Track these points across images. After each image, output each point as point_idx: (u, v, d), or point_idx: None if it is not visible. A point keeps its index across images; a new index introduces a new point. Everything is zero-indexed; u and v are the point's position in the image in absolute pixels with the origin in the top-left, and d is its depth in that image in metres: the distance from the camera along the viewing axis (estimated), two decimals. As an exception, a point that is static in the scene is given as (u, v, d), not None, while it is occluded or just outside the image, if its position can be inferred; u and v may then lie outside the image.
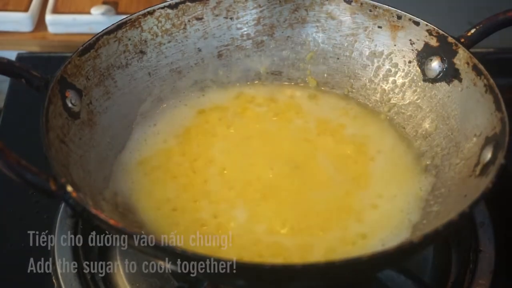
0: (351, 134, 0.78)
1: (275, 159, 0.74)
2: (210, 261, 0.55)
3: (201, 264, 0.56)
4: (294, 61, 0.84)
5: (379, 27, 0.80)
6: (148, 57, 0.79)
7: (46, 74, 0.68)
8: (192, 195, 0.70)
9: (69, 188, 0.58)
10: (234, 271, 0.56)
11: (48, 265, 0.73)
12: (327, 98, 0.82)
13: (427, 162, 0.73)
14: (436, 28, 0.76)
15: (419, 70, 0.78)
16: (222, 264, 0.54)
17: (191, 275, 0.62)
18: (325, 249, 0.65)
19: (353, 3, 0.81)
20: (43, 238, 0.75)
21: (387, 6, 0.79)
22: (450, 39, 0.74)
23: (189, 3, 0.80)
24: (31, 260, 0.75)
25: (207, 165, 0.74)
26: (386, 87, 0.80)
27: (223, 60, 0.83)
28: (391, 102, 0.80)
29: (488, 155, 0.65)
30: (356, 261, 0.54)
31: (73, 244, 0.73)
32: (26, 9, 1.13)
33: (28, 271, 0.74)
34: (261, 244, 0.66)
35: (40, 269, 0.73)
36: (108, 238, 0.75)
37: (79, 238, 0.74)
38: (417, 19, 0.77)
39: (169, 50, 0.80)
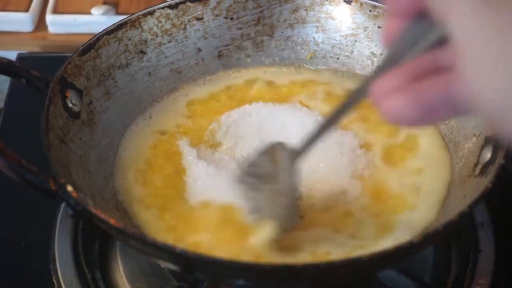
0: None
1: None
2: (210, 261, 0.55)
3: (201, 264, 0.56)
4: (294, 61, 0.84)
5: (379, 27, 0.80)
6: (148, 57, 0.79)
7: (46, 74, 0.68)
8: (188, 193, 0.70)
9: (69, 188, 0.58)
10: (234, 271, 0.56)
11: (48, 265, 0.73)
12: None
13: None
14: (436, 28, 0.76)
15: (419, 70, 0.78)
16: (222, 264, 0.54)
17: (191, 275, 0.62)
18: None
19: (353, 3, 0.81)
20: (43, 238, 0.75)
21: (387, 6, 0.79)
22: (450, 39, 0.74)
23: (189, 3, 0.80)
24: (31, 260, 0.75)
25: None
26: (386, 87, 0.80)
27: (223, 60, 0.83)
28: (391, 102, 0.80)
29: (487, 155, 0.65)
30: (356, 261, 0.54)
31: (73, 244, 0.73)
32: (26, 9, 1.13)
33: (28, 271, 0.74)
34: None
35: (40, 269, 0.73)
36: (108, 238, 0.75)
37: (79, 238, 0.74)
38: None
39: (169, 50, 0.80)
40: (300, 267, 0.55)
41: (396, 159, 0.72)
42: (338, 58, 0.83)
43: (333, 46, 0.83)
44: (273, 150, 0.63)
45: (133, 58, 0.78)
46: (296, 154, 0.60)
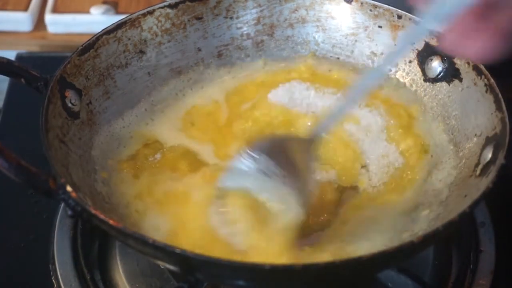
0: (349, 134, 0.77)
1: None
2: (210, 261, 0.54)
3: (201, 264, 0.56)
4: (295, 61, 0.84)
5: (380, 26, 0.80)
6: (148, 57, 0.79)
7: (45, 74, 0.68)
8: (183, 194, 0.70)
9: (69, 188, 0.58)
10: (234, 271, 0.56)
11: (48, 265, 0.73)
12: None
13: (428, 162, 0.73)
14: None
15: (420, 69, 0.78)
16: (222, 264, 0.54)
17: (191, 275, 0.62)
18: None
19: (353, 3, 0.81)
20: (43, 238, 0.75)
21: (387, 6, 0.79)
22: (450, 39, 0.74)
23: (189, 3, 0.80)
24: (31, 260, 0.75)
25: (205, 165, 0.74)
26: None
27: (223, 60, 0.83)
28: (391, 102, 0.80)
29: (488, 155, 0.64)
30: (356, 261, 0.54)
31: (72, 244, 0.73)
32: (25, 9, 1.13)
33: (28, 271, 0.74)
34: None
35: (39, 269, 0.73)
36: (107, 238, 0.75)
37: (78, 238, 0.74)
38: (418, 19, 0.77)
39: (169, 49, 0.80)
40: (300, 267, 0.54)
41: None
42: (338, 58, 0.83)
43: (333, 46, 0.83)
44: (281, 144, 0.65)
45: (132, 58, 0.78)
46: (310, 143, 0.63)
